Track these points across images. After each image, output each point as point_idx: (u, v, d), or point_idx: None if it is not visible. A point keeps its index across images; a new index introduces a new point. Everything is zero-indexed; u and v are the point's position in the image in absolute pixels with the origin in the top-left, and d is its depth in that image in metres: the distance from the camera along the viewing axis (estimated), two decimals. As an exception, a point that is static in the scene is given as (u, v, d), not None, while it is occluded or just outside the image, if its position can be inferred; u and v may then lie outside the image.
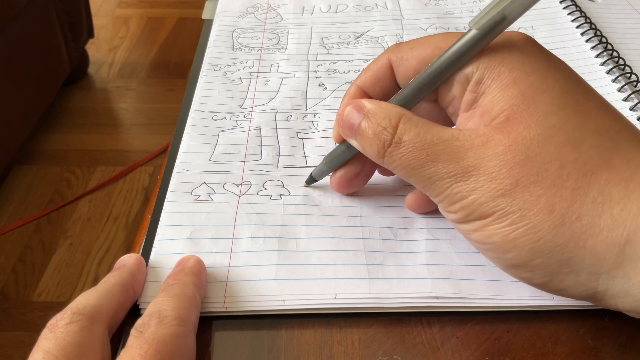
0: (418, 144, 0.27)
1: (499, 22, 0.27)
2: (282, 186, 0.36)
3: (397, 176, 0.36)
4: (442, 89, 0.29)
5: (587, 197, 0.24)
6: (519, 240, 0.25)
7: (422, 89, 0.29)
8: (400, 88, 0.31)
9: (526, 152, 0.25)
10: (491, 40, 0.27)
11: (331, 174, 0.35)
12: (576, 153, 0.25)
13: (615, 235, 0.24)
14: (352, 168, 0.34)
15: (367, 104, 0.29)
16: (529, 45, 0.28)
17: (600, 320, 0.29)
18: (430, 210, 0.34)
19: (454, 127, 0.29)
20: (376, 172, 0.35)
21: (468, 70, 0.28)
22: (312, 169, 0.36)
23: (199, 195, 0.35)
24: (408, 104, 0.30)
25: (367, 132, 0.29)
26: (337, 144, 0.34)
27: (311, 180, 0.36)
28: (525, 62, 0.27)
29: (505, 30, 0.28)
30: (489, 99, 0.27)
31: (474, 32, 0.27)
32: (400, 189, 0.36)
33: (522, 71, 0.27)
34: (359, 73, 0.33)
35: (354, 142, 0.30)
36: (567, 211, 0.24)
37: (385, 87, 0.32)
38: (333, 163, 0.34)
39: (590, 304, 0.29)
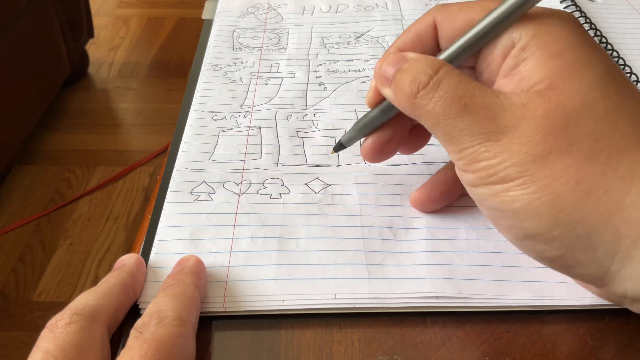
0: (458, 90, 0.26)
1: None
2: (282, 184, 0.36)
3: (401, 170, 0.36)
4: (484, 51, 0.29)
5: (616, 174, 0.24)
6: (541, 209, 0.24)
7: (468, 48, 0.29)
8: (440, 51, 0.30)
9: (566, 120, 0.25)
10: (536, 3, 0.27)
11: (361, 141, 0.34)
12: (612, 130, 0.25)
13: (638, 214, 0.24)
14: (383, 133, 0.33)
15: (410, 53, 0.29)
16: (573, 22, 0.28)
17: (600, 320, 0.29)
18: (434, 209, 0.34)
19: None
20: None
21: (515, 34, 0.27)
22: (342, 136, 0.35)
23: (199, 195, 0.35)
24: (452, 62, 0.29)
25: (404, 76, 0.28)
26: (369, 110, 0.33)
27: (339, 147, 0.35)
28: (571, 37, 0.27)
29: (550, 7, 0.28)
30: (532, 65, 0.26)
31: None
32: (400, 189, 0.36)
33: (568, 44, 0.26)
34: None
35: (386, 91, 0.29)
36: (594, 185, 0.24)
37: (427, 47, 0.31)
38: (364, 128, 0.33)
39: (590, 303, 0.29)
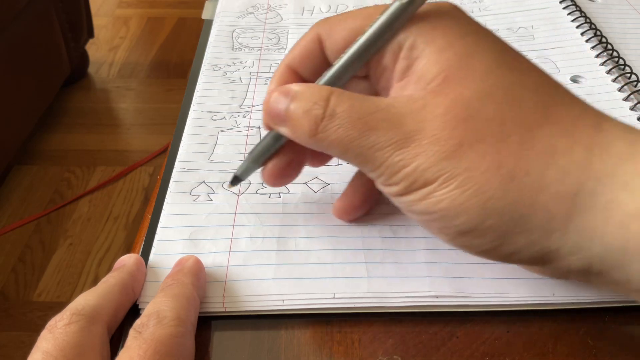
0: (354, 113, 0.26)
1: None
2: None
3: None
4: (374, 61, 0.28)
5: (533, 151, 0.24)
6: (468, 202, 0.24)
7: (355, 61, 0.28)
8: (330, 64, 0.29)
9: (467, 111, 0.25)
10: (418, 7, 0.27)
11: (260, 169, 0.32)
12: (517, 109, 0.25)
13: (565, 188, 0.24)
14: (282, 159, 0.31)
15: (294, 86, 0.28)
16: (458, 12, 0.28)
17: (600, 320, 0.29)
18: (358, 216, 0.33)
19: None
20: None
21: (400, 37, 0.27)
22: (237, 168, 0.32)
23: (199, 196, 0.35)
24: (340, 78, 0.28)
25: (296, 113, 0.27)
26: (262, 138, 0.31)
27: (236, 181, 0.32)
28: (457, 26, 0.27)
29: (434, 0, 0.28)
30: (424, 62, 0.26)
31: (397, 4, 0.27)
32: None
33: (456, 35, 0.26)
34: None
35: (283, 130, 0.28)
36: (515, 166, 0.24)
37: (315, 63, 0.30)
38: (260, 157, 0.31)
39: (590, 301, 0.29)
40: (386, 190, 0.27)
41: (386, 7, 0.27)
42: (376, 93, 0.30)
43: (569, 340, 0.28)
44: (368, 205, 0.33)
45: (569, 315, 0.29)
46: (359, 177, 0.33)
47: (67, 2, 1.44)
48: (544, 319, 0.29)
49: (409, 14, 0.27)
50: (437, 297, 0.30)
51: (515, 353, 0.28)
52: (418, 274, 0.31)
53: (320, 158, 0.33)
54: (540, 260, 0.25)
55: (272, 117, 0.29)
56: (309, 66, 0.30)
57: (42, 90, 1.38)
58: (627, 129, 0.25)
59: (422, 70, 0.26)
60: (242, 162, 0.32)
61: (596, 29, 0.48)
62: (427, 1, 0.27)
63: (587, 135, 0.24)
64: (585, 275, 0.25)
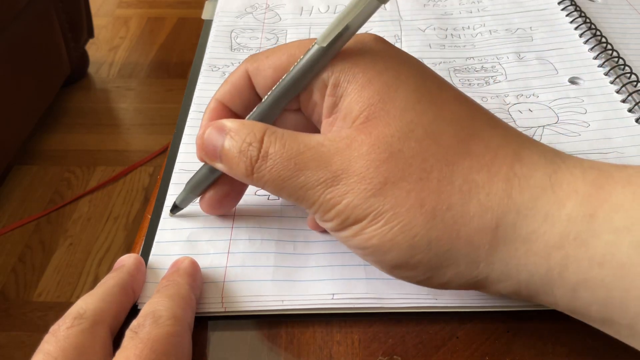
0: (285, 154, 0.27)
1: (342, 34, 0.27)
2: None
3: None
4: (303, 97, 0.29)
5: (454, 187, 0.25)
6: (396, 239, 0.25)
7: (281, 100, 0.29)
8: (261, 99, 0.30)
9: (389, 149, 0.25)
10: (338, 49, 0.27)
11: (198, 198, 0.33)
12: (436, 145, 0.25)
13: (486, 221, 0.24)
14: (220, 189, 0.32)
15: (228, 122, 0.28)
16: (378, 45, 0.28)
17: (599, 320, 0.29)
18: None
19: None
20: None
21: (324, 75, 0.27)
22: (176, 197, 0.33)
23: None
24: (270, 115, 0.29)
25: (232, 152, 0.28)
26: (199, 168, 0.32)
27: (175, 209, 0.33)
28: (377, 61, 0.27)
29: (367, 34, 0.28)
30: (348, 100, 0.27)
31: (316, 47, 0.27)
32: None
33: (375, 71, 0.27)
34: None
35: (219, 166, 0.29)
36: (437, 203, 0.25)
37: (245, 98, 0.31)
38: (197, 188, 0.32)
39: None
40: (324, 225, 0.28)
41: (308, 47, 0.28)
42: (312, 124, 0.30)
43: (569, 340, 0.28)
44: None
45: (569, 316, 0.29)
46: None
47: (67, 2, 1.44)
48: (544, 319, 0.29)
49: (330, 55, 0.27)
50: (436, 298, 0.30)
51: (515, 353, 0.28)
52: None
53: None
54: (473, 287, 0.26)
55: (207, 154, 0.29)
56: (239, 102, 0.31)
57: (42, 90, 1.38)
58: (548, 157, 0.25)
59: (346, 108, 0.27)
60: (181, 191, 0.33)
61: (596, 29, 0.48)
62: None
63: (506, 168, 0.25)
64: (517, 296, 0.26)
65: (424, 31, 0.51)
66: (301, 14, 0.54)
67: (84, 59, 1.63)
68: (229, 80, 0.31)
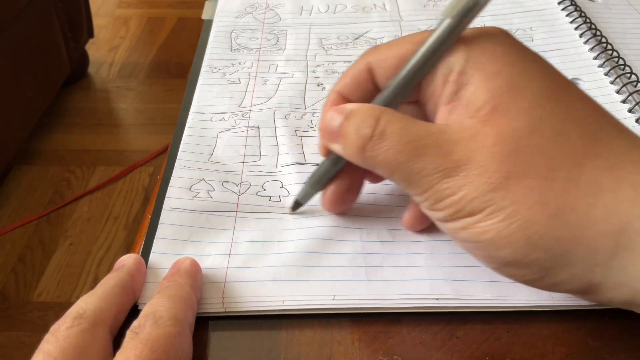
0: (404, 137, 0.26)
1: (471, 9, 0.26)
2: (282, 186, 0.36)
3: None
4: (424, 84, 0.28)
5: (579, 188, 0.24)
6: (513, 236, 0.24)
7: (405, 85, 0.28)
8: (380, 91, 0.30)
9: (515, 144, 0.25)
10: (467, 25, 0.27)
11: (319, 194, 0.33)
12: (564, 144, 0.25)
13: (610, 226, 0.24)
14: (341, 183, 0.32)
15: (349, 105, 0.29)
16: (507, 38, 0.27)
17: (600, 320, 0.29)
18: (426, 226, 0.33)
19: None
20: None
21: (451, 60, 0.27)
22: (297, 193, 0.34)
23: (199, 192, 0.35)
24: (392, 103, 0.29)
25: (348, 130, 0.28)
26: (320, 163, 0.32)
27: (297, 206, 0.34)
28: (506, 54, 0.27)
29: (484, 25, 0.28)
30: (472, 89, 0.26)
31: (448, 20, 0.27)
32: (400, 189, 0.36)
33: (504, 62, 0.26)
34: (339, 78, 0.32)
35: (335, 147, 0.29)
36: (561, 203, 0.24)
37: (365, 91, 0.31)
38: (319, 182, 0.33)
39: (590, 303, 0.29)
40: (430, 214, 0.27)
41: (434, 30, 0.27)
42: (424, 118, 0.30)
43: (569, 340, 0.28)
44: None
45: (569, 316, 0.29)
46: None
47: (67, 2, 1.44)
48: (544, 319, 0.29)
49: (459, 31, 0.27)
50: (437, 299, 0.30)
51: (515, 353, 0.28)
52: (418, 277, 0.31)
53: (377, 176, 0.33)
54: (584, 292, 0.26)
55: (327, 134, 0.29)
56: (359, 93, 0.31)
57: (42, 90, 1.38)
58: None
59: (470, 96, 0.26)
60: (302, 186, 0.34)
61: (596, 30, 0.48)
62: (475, 26, 0.27)
63: (633, 174, 0.24)
64: (628, 305, 0.25)
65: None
66: (301, 14, 0.54)
67: (84, 59, 1.63)
68: (349, 73, 0.31)
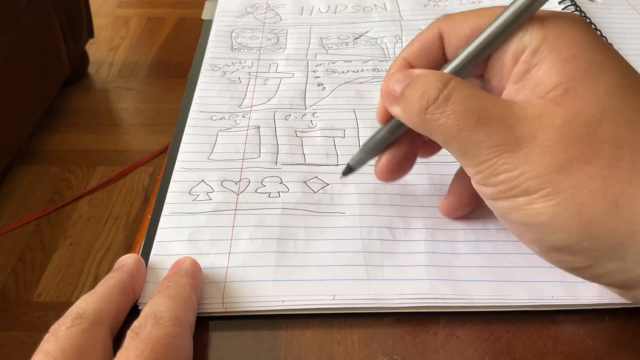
0: (470, 104, 0.26)
1: None
2: (281, 182, 0.36)
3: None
4: (493, 58, 0.28)
5: None
6: (568, 221, 0.24)
7: (476, 56, 0.28)
8: (447, 62, 0.30)
9: (587, 128, 0.24)
10: (544, 3, 0.26)
11: (373, 161, 0.33)
12: (635, 135, 0.24)
13: None
14: (396, 151, 0.31)
15: (417, 70, 0.28)
16: (585, 25, 0.27)
17: (600, 320, 0.29)
18: (464, 214, 0.33)
19: None
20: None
21: (525, 38, 0.26)
22: (351, 159, 0.33)
23: (198, 195, 0.35)
24: (460, 73, 0.28)
25: (412, 92, 0.27)
26: (376, 130, 0.32)
27: (349, 171, 0.34)
28: (585, 40, 0.26)
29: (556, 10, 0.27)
30: (545, 70, 0.26)
31: None
32: (399, 188, 0.36)
33: (582, 48, 0.26)
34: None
35: (396, 109, 0.29)
36: (622, 193, 0.23)
37: (433, 58, 0.30)
38: (374, 149, 0.32)
39: (591, 303, 0.29)
40: (480, 189, 0.27)
41: (512, 2, 0.27)
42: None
43: (569, 340, 0.28)
44: (474, 203, 0.33)
45: (569, 316, 0.29)
46: (462, 177, 0.33)
47: (67, 2, 1.44)
48: (544, 319, 0.29)
49: (531, 12, 0.26)
50: (437, 299, 0.30)
51: (515, 353, 0.28)
52: (418, 276, 0.31)
53: (431, 149, 0.33)
54: (625, 286, 0.25)
55: (388, 96, 0.29)
56: (425, 61, 0.30)
57: (42, 90, 1.38)
58: None
59: (542, 77, 0.26)
60: (355, 153, 0.33)
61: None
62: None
63: None
64: None
65: (424, 31, 0.51)
66: (302, 14, 0.54)
67: (84, 59, 1.63)
68: (418, 39, 0.30)
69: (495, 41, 0.27)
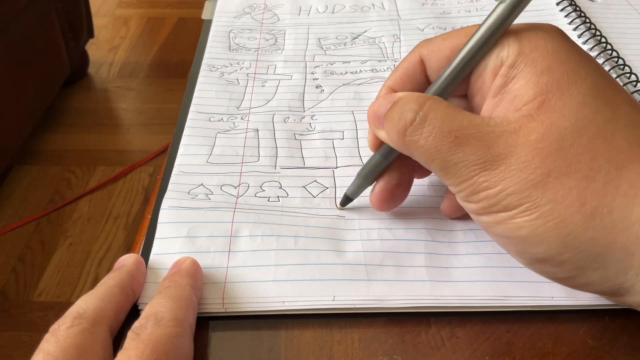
0: (446, 125, 0.26)
1: None
2: (280, 187, 0.36)
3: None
4: (473, 76, 0.29)
5: (619, 191, 0.24)
6: (548, 234, 0.24)
7: (456, 75, 0.28)
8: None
9: (560, 142, 0.25)
10: (521, 11, 0.27)
11: (369, 191, 0.33)
12: (608, 145, 0.25)
13: None
14: (391, 178, 0.32)
15: (398, 93, 0.29)
16: (560, 35, 0.27)
17: (600, 320, 0.29)
18: (464, 213, 0.33)
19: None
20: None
21: (503, 53, 0.27)
22: (347, 188, 0.34)
23: (197, 195, 0.35)
24: (442, 94, 0.29)
25: (393, 116, 0.28)
26: (370, 157, 0.33)
27: (346, 201, 0.34)
28: (558, 51, 0.26)
29: (533, 22, 0.28)
30: (522, 83, 0.26)
31: (503, 6, 0.27)
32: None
33: (556, 59, 0.26)
34: (389, 74, 0.32)
35: (381, 133, 0.29)
36: (599, 204, 0.24)
37: (417, 84, 0.31)
38: (368, 176, 0.33)
39: (591, 303, 0.29)
40: (464, 205, 0.27)
41: (487, 17, 0.27)
42: (471, 112, 0.29)
43: (569, 340, 0.28)
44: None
45: (569, 316, 0.29)
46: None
47: (67, 2, 1.44)
48: (544, 319, 0.29)
49: (510, 21, 0.27)
50: (437, 299, 0.30)
51: (515, 353, 0.28)
52: (418, 277, 0.30)
53: (426, 170, 0.33)
54: (612, 294, 0.26)
55: (374, 120, 0.29)
56: (410, 87, 0.31)
57: (42, 90, 1.38)
58: None
59: (518, 90, 0.26)
60: (352, 181, 0.34)
61: (595, 29, 0.48)
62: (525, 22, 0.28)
63: None
64: None
65: (422, 30, 0.51)
66: (299, 14, 0.54)
67: (84, 59, 1.63)
68: (400, 66, 0.31)
69: (474, 58, 0.28)
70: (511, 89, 0.27)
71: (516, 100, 0.26)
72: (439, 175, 0.27)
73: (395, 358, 0.28)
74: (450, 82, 0.29)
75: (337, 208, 0.35)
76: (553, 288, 0.30)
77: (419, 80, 0.31)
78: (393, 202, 0.33)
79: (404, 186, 0.33)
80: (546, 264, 0.26)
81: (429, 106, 0.27)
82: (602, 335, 0.29)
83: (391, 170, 0.32)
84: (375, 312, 0.30)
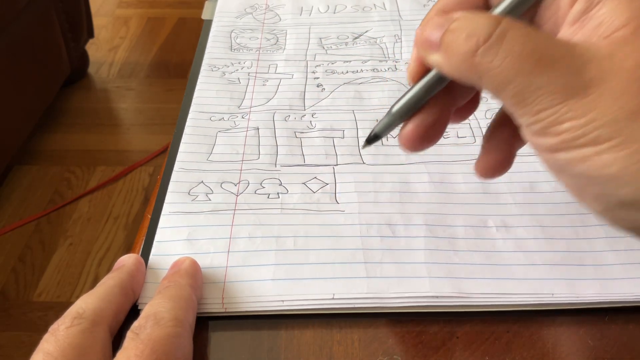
0: (528, 44, 0.22)
1: None
2: (280, 184, 0.36)
3: (399, 169, 0.36)
4: (545, 1, 0.25)
5: None
6: None
7: None
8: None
9: None
10: None
11: (399, 127, 0.29)
12: None
13: None
14: (427, 115, 0.28)
15: (457, 13, 0.24)
16: None
17: (600, 320, 0.29)
18: (502, 174, 0.29)
19: None
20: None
21: None
22: (375, 125, 0.29)
23: (197, 195, 0.35)
24: (511, 14, 0.25)
25: (456, 35, 0.24)
26: (407, 90, 0.28)
27: (373, 139, 0.29)
28: None
29: None
30: (609, 8, 0.23)
31: None
32: (399, 186, 0.36)
33: None
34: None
35: (434, 57, 0.25)
36: None
37: (474, 6, 0.26)
38: (405, 111, 0.28)
39: (590, 301, 0.29)
40: (536, 141, 0.24)
41: None
42: None
43: (569, 340, 0.28)
44: (513, 159, 0.29)
45: (569, 315, 0.29)
46: (496, 133, 0.29)
47: (67, 2, 1.44)
48: (544, 319, 0.29)
49: None
50: (437, 297, 0.30)
51: (515, 353, 0.28)
52: (417, 274, 0.31)
53: (463, 112, 0.30)
54: None
55: (424, 43, 0.25)
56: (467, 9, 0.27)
57: (42, 90, 1.38)
58: None
59: (605, 16, 0.23)
60: (381, 119, 0.29)
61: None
62: None
63: None
64: None
65: (423, 31, 0.51)
66: (301, 14, 0.54)
67: (84, 59, 1.63)
68: None
69: None
70: (595, 15, 0.23)
71: (602, 27, 0.23)
72: (511, 102, 0.24)
73: (395, 358, 0.28)
74: (521, 5, 0.25)
75: (360, 148, 0.32)
76: (553, 285, 0.30)
77: (477, 5, 0.26)
78: (426, 143, 0.29)
79: (440, 126, 0.28)
80: (631, 209, 0.22)
81: (505, 25, 0.23)
82: (602, 335, 0.29)
83: (427, 108, 0.28)
84: (375, 312, 0.30)
